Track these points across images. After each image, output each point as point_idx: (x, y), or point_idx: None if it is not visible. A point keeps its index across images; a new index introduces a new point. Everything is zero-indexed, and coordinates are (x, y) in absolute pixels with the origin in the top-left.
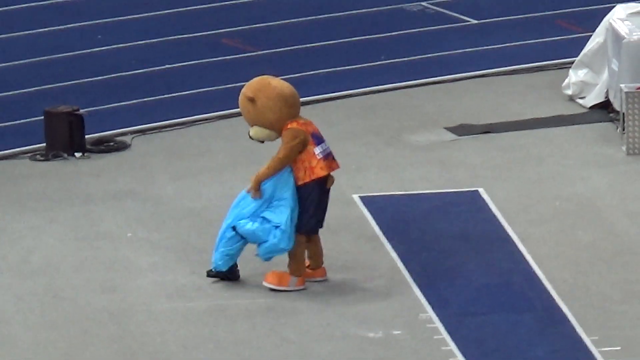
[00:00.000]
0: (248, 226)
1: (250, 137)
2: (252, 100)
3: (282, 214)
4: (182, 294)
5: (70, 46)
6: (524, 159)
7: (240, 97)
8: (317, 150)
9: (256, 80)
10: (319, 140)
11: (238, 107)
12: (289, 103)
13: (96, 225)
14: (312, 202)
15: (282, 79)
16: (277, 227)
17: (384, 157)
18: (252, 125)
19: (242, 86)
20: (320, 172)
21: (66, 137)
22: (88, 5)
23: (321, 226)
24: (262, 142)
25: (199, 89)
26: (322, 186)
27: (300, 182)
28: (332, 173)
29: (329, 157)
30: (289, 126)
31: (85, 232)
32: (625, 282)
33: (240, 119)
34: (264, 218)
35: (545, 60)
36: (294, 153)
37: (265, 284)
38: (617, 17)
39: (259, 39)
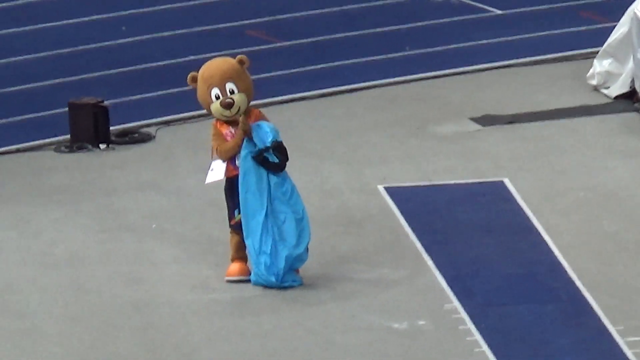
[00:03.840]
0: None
1: (232, 103)
2: (242, 64)
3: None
4: (206, 285)
5: (95, 38)
6: (549, 150)
7: (230, 61)
8: None
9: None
10: None
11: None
12: None
13: (120, 217)
14: None
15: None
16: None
17: (408, 148)
18: (240, 92)
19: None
20: None
21: (90, 129)
22: None
23: None
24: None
25: None
26: None
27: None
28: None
29: None
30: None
31: (109, 224)
32: None
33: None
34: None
35: (570, 51)
36: None
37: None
38: None
39: (283, 30)
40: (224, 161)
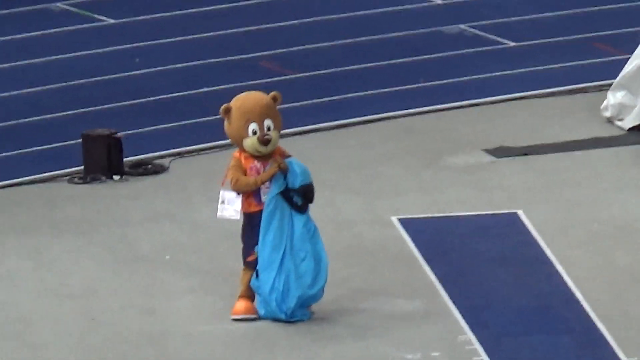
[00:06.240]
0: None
1: (270, 139)
2: (276, 101)
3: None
4: (220, 316)
5: (108, 69)
6: (562, 182)
7: (266, 97)
8: None
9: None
10: None
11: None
12: None
13: (134, 248)
14: None
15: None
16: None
17: (422, 180)
18: (275, 129)
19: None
20: None
21: (104, 160)
22: (125, 29)
23: None
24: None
25: None
26: None
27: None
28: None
29: None
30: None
31: (124, 255)
32: None
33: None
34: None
35: (583, 83)
36: None
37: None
38: None
39: (297, 61)
40: (238, 194)
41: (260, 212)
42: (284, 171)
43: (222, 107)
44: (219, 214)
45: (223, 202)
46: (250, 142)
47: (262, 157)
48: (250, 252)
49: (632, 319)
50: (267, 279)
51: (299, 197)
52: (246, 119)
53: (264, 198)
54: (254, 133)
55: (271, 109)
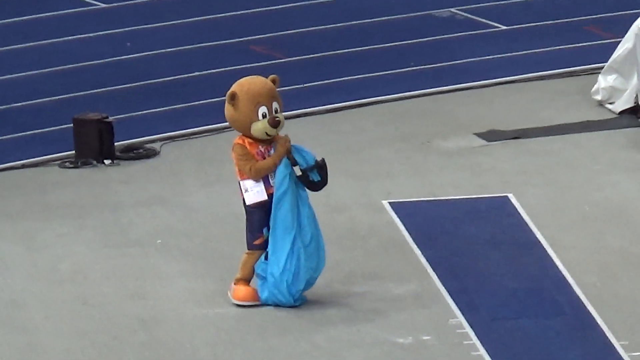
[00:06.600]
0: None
1: (279, 122)
2: (275, 84)
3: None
4: (211, 300)
5: (99, 54)
6: (554, 165)
7: (268, 80)
8: None
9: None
10: None
11: None
12: None
13: (126, 232)
14: None
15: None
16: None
17: (413, 163)
18: (281, 111)
19: None
20: None
21: (95, 145)
22: (117, 13)
23: None
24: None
25: None
26: None
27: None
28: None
29: None
30: None
31: (115, 240)
32: None
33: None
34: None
35: (575, 66)
36: None
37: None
38: None
39: (288, 45)
40: (257, 181)
41: (270, 196)
42: (288, 152)
43: (228, 93)
44: (247, 202)
45: (247, 190)
46: (261, 125)
47: (266, 142)
48: (258, 235)
49: (623, 302)
50: (277, 261)
51: (316, 173)
52: (256, 102)
53: (272, 182)
54: (264, 116)
55: (276, 92)
